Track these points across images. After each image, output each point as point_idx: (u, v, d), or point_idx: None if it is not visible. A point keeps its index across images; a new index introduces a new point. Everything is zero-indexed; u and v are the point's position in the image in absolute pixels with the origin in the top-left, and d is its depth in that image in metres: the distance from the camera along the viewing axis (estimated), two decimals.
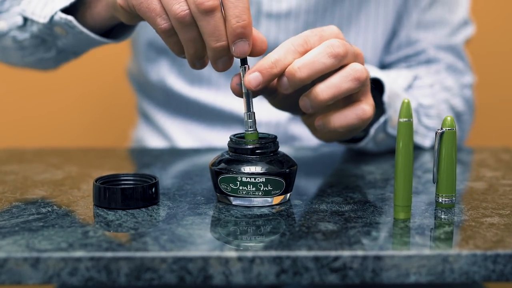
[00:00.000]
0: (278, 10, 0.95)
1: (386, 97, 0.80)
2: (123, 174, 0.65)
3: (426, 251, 0.52)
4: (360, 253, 0.51)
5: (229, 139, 0.64)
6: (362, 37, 0.98)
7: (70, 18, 0.73)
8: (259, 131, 0.64)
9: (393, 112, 0.82)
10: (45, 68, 0.89)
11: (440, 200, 0.62)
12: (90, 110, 1.52)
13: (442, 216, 0.60)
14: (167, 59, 1.00)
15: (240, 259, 0.51)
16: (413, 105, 0.87)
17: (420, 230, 0.57)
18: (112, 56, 1.32)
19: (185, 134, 1.03)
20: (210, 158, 0.66)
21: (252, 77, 0.61)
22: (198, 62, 0.63)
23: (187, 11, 0.59)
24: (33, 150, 0.88)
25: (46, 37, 0.79)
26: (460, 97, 0.98)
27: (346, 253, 0.51)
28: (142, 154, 0.93)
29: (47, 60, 0.85)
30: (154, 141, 1.06)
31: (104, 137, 1.51)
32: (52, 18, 0.74)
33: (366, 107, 0.64)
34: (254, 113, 0.63)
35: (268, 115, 0.96)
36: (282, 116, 0.96)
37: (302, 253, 0.51)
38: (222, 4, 0.59)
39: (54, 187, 0.69)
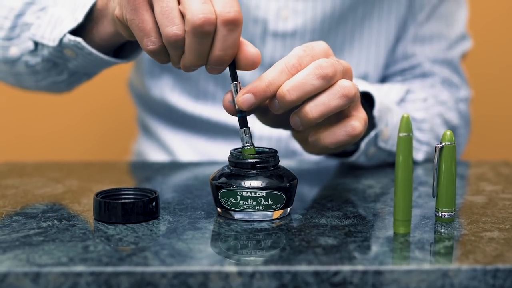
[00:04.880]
0: (284, 30, 0.96)
1: (376, 111, 0.80)
2: (123, 188, 0.66)
3: (426, 266, 0.52)
4: (360, 267, 0.51)
5: (229, 154, 0.64)
6: (364, 54, 0.99)
7: (78, 39, 0.74)
8: (260, 146, 0.65)
9: (384, 126, 0.82)
10: (59, 91, 0.90)
11: (440, 215, 0.62)
12: (91, 124, 1.52)
13: (442, 231, 0.60)
14: (170, 75, 1.01)
15: (240, 274, 0.51)
16: None
17: (420, 244, 0.57)
18: (114, 70, 1.32)
19: (186, 147, 1.03)
20: (211, 171, 0.66)
21: (245, 98, 0.61)
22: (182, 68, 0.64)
23: (180, 36, 0.59)
24: (33, 164, 0.89)
25: (57, 60, 0.80)
26: (455, 111, 0.99)
27: (346, 267, 0.51)
28: (143, 168, 0.93)
29: (60, 83, 0.86)
30: (155, 155, 1.06)
31: (105, 151, 1.51)
32: (61, 40, 0.75)
33: (355, 123, 0.64)
34: (249, 128, 0.64)
35: (269, 130, 0.96)
36: (283, 131, 0.96)
37: (302, 267, 0.51)
38: (215, 29, 0.59)
39: (54, 201, 0.69)
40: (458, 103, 1.01)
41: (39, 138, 1.50)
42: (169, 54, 0.62)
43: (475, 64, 1.25)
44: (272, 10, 0.95)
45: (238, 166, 0.63)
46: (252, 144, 0.64)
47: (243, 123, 0.63)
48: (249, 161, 0.62)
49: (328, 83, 0.62)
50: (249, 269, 0.51)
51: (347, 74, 0.64)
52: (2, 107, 1.47)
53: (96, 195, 0.63)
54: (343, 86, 0.62)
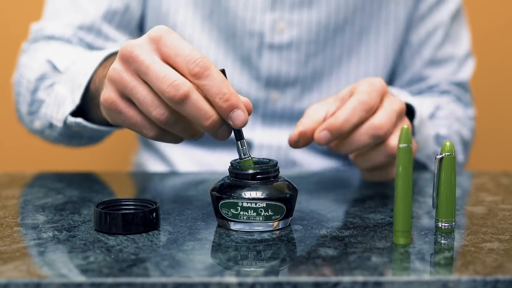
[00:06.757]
0: (280, 42, 0.97)
1: (417, 121, 0.83)
2: (123, 199, 0.66)
3: (426, 277, 0.52)
4: (360, 278, 0.51)
5: (229, 165, 0.64)
6: (363, 67, 1.00)
7: (78, 120, 0.77)
8: (261, 155, 0.65)
9: (421, 139, 0.85)
10: (91, 145, 0.93)
11: (440, 225, 0.62)
12: None
13: (442, 241, 0.60)
14: None
15: (240, 285, 0.51)
16: (432, 134, 0.90)
17: (420, 255, 0.57)
18: None
19: (185, 159, 1.03)
20: (211, 182, 0.66)
21: (323, 135, 0.71)
22: (196, 137, 0.65)
23: (166, 113, 0.60)
24: (34, 175, 0.89)
25: (71, 133, 0.84)
26: (467, 128, 1.02)
27: (346, 278, 0.51)
28: (143, 179, 0.93)
29: (86, 144, 0.90)
30: (155, 166, 1.06)
31: (105, 162, 1.51)
32: (65, 121, 0.79)
33: (394, 170, 0.74)
34: (245, 140, 0.64)
35: (269, 139, 0.97)
36: (283, 140, 0.96)
37: (303, 278, 0.51)
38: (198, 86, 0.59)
39: (55, 212, 0.69)
40: (469, 120, 1.04)
41: (40, 149, 1.50)
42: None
43: (475, 74, 1.25)
44: (268, 22, 0.96)
45: (238, 176, 0.63)
46: (250, 156, 0.64)
47: (239, 136, 0.63)
48: (250, 171, 0.62)
49: (379, 140, 0.71)
50: (249, 280, 0.51)
51: (402, 117, 0.73)
52: (2, 117, 1.47)
53: (97, 206, 0.63)
54: (391, 146, 0.72)
